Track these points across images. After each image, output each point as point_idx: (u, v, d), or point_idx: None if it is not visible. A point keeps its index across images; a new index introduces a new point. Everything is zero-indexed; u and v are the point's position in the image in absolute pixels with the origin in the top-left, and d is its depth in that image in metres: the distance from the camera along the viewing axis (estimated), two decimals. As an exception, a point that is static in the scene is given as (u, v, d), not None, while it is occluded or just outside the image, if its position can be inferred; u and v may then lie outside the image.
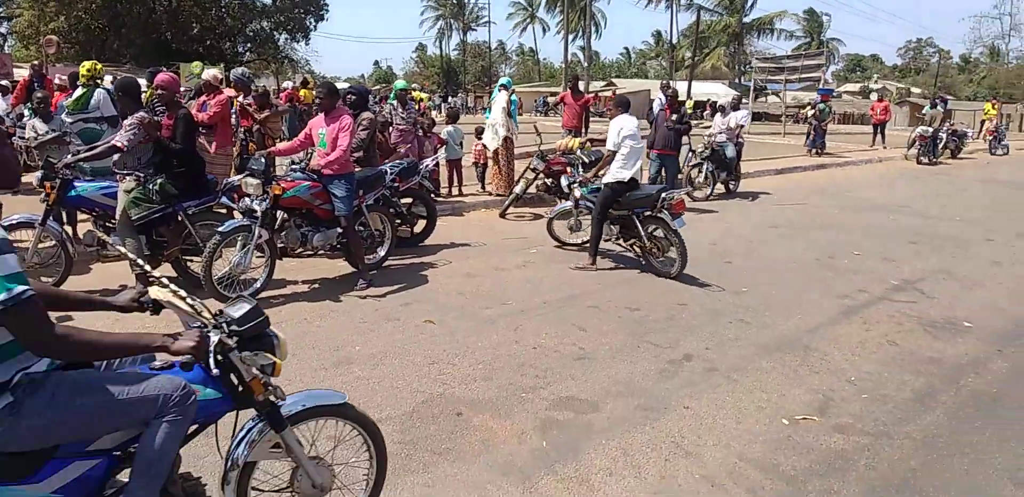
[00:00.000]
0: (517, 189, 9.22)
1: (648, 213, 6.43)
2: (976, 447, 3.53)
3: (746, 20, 53.64)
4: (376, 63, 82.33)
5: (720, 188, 11.58)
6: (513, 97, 10.73)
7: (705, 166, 11.12)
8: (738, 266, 6.98)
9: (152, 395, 1.99)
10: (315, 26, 37.68)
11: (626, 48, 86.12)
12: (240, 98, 8.34)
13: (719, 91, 37.81)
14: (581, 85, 18.49)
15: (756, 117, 27.37)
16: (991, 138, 21.48)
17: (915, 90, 52.87)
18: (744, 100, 14.42)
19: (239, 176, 6.19)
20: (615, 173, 6.52)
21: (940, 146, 18.07)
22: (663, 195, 6.28)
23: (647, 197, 6.40)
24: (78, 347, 1.88)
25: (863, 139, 21.55)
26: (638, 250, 6.68)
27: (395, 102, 9.24)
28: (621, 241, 6.85)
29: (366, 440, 2.63)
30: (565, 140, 9.13)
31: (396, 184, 7.15)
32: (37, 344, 1.81)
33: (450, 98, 39.71)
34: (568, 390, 4.01)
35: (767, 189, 12.35)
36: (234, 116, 8.07)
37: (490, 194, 10.16)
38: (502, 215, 9.14)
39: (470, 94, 51.26)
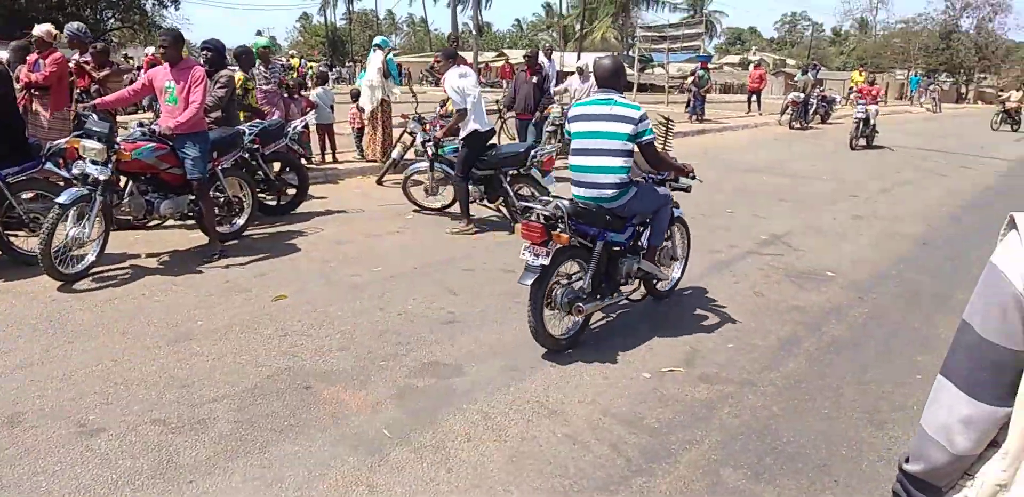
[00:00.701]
0: (394, 154, 8.78)
1: (515, 172, 6.21)
2: (836, 390, 3.56)
3: (633, -9, 54.16)
4: (259, 33, 77.75)
5: None
6: (390, 57, 10.22)
7: (557, 134, 10.30)
8: (616, 226, 6.92)
9: (665, 194, 4.20)
10: (184, -11, 35.10)
11: (517, 20, 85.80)
12: (76, 55, 7.51)
13: (607, 62, 37.95)
14: (468, 56, 18.04)
15: (642, 88, 27.73)
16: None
17: (790, 61, 55.22)
18: (630, 71, 13.96)
19: (67, 138, 5.53)
20: (468, 125, 6.21)
21: (811, 111, 18.86)
22: (532, 151, 6.07)
23: (514, 155, 6.16)
24: (664, 163, 4.14)
25: (741, 107, 22.27)
26: (506, 211, 6.46)
27: (257, 62, 8.59)
28: (487, 202, 6.60)
29: (682, 233, 4.79)
30: (448, 104, 8.76)
31: (256, 146, 6.63)
32: (656, 162, 4.07)
33: (335, 68, 38.05)
34: (431, 355, 3.77)
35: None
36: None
37: (367, 160, 9.70)
38: (379, 182, 8.72)
39: (357, 64, 49.43)
